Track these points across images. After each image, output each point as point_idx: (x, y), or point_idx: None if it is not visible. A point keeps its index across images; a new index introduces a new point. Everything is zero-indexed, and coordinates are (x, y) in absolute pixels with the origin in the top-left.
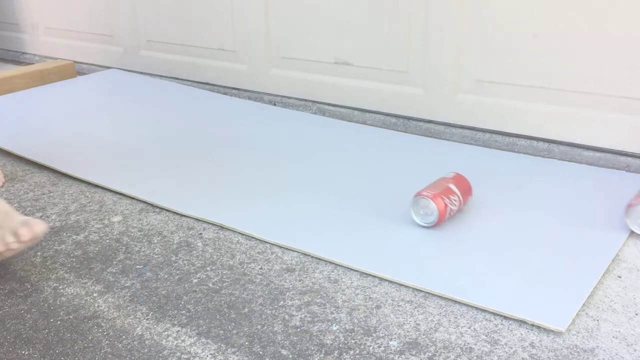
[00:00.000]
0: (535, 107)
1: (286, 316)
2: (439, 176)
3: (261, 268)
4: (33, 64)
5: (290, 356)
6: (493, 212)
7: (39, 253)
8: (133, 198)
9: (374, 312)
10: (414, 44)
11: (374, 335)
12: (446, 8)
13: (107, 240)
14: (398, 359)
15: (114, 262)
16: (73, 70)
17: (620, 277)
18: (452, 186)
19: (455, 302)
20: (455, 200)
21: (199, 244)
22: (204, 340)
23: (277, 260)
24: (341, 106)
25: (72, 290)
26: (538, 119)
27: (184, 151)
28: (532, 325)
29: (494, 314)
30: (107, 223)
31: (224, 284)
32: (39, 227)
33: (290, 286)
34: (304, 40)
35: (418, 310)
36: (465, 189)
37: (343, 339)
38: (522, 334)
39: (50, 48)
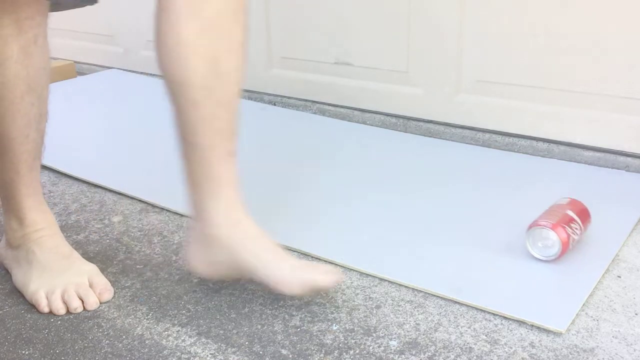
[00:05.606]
0: (535, 107)
1: (286, 316)
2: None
3: None
4: None
5: (290, 356)
6: (492, 212)
7: None
8: (133, 198)
9: (374, 312)
10: (414, 44)
11: (374, 335)
12: (446, 8)
13: (108, 240)
14: (398, 358)
15: (114, 262)
16: (73, 70)
17: (620, 277)
18: (571, 213)
19: (455, 302)
20: (576, 229)
21: None
22: (204, 340)
23: None
24: (341, 106)
25: None
26: (538, 119)
27: None
28: (532, 325)
29: (494, 314)
30: (107, 223)
31: (224, 284)
32: (108, 295)
33: None
34: (304, 40)
35: (418, 310)
36: (585, 215)
37: (343, 338)
38: (521, 334)
39: (50, 48)
